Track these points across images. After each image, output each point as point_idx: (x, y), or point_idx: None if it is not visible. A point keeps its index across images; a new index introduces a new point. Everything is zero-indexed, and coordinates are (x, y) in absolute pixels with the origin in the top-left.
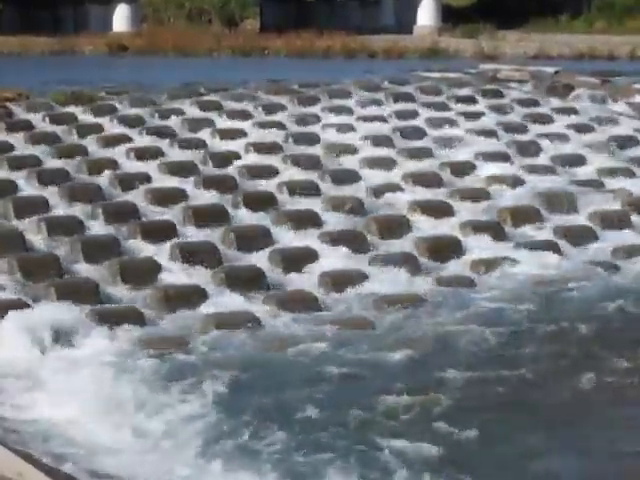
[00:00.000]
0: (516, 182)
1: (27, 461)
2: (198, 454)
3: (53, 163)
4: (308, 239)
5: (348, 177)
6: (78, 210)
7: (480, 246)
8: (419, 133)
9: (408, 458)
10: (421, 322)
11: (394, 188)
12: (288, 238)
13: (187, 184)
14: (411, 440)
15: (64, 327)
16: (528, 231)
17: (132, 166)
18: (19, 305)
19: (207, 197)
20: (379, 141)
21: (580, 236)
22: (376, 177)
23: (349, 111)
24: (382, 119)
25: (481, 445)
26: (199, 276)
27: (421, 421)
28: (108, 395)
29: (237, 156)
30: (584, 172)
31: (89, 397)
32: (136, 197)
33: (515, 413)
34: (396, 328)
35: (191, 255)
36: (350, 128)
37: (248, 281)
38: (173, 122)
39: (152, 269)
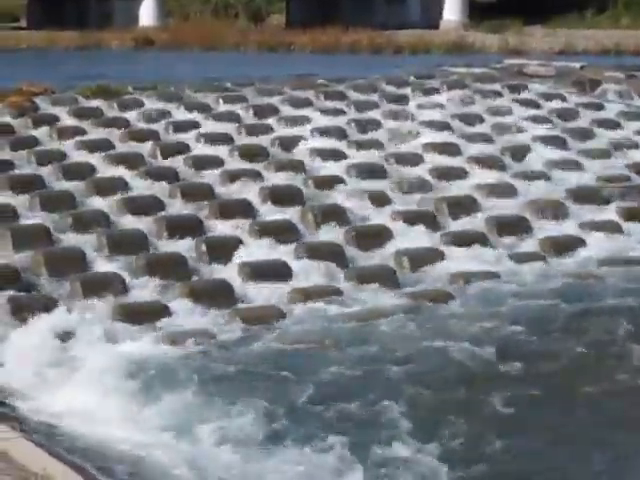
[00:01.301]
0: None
1: (52, 455)
2: None
3: (79, 157)
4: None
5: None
6: (104, 204)
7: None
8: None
9: None
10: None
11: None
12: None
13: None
14: None
15: None
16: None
17: (159, 161)
18: None
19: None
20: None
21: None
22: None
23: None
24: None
25: None
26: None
27: None
28: None
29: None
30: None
31: None
32: (162, 191)
33: None
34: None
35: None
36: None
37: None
38: (199, 117)
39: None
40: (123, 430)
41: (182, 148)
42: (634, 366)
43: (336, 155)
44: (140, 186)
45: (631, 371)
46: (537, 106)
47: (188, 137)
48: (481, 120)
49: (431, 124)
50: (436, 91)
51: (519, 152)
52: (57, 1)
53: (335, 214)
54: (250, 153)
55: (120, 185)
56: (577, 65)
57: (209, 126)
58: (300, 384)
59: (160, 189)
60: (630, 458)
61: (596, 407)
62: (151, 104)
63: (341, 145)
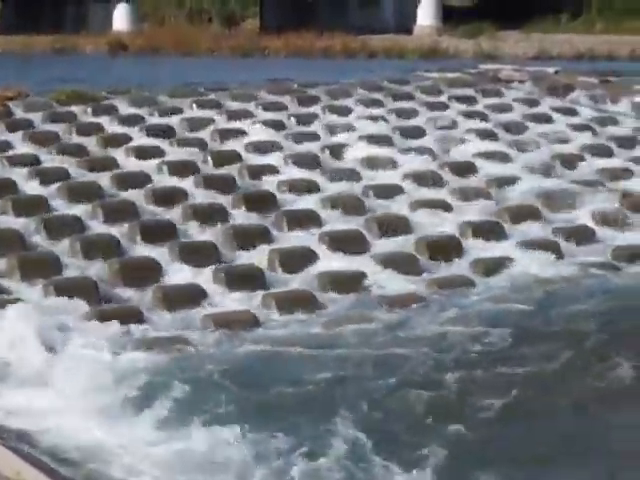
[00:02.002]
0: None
1: (25, 460)
2: None
3: (53, 162)
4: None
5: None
6: (78, 209)
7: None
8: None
9: None
10: None
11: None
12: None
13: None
14: None
15: None
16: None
17: (132, 165)
18: None
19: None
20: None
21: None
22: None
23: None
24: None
25: None
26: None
27: None
28: None
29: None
30: (585, 172)
31: None
32: (137, 196)
33: None
34: None
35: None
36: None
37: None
38: (173, 121)
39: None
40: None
41: (155, 152)
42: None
43: (311, 161)
44: (115, 191)
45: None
46: (511, 110)
47: (161, 142)
48: (455, 125)
49: (405, 129)
50: (410, 96)
51: (492, 156)
52: (32, 5)
53: (308, 219)
54: (223, 159)
55: (95, 190)
56: (551, 70)
57: (183, 131)
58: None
59: (134, 194)
60: None
61: None
62: (125, 109)
63: (315, 149)
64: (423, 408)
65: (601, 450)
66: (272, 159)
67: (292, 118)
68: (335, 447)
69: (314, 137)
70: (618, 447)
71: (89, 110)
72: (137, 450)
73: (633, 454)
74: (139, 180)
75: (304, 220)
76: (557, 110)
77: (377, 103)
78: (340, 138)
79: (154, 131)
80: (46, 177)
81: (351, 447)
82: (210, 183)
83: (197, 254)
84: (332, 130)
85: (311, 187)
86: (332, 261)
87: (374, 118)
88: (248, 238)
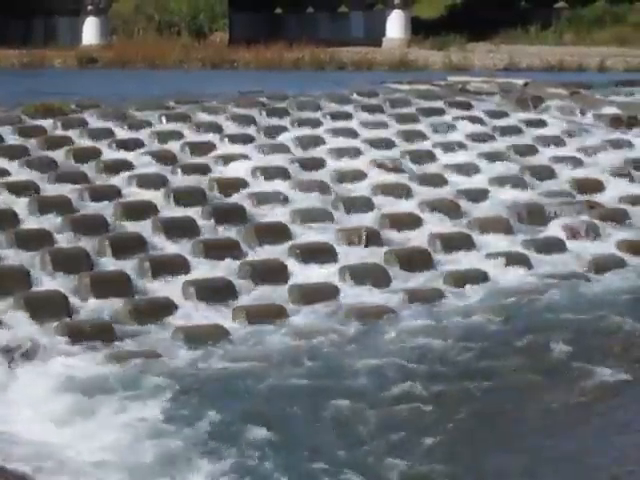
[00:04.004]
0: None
1: None
2: None
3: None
4: None
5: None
6: (47, 223)
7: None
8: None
9: None
10: None
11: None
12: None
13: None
14: None
15: None
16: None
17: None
18: None
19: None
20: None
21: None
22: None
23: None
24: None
25: None
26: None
27: None
28: None
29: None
30: (554, 184)
31: None
32: (106, 210)
33: None
34: None
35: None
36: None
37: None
38: (142, 134)
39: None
40: None
41: (125, 166)
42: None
43: (280, 174)
44: (84, 204)
45: None
46: (480, 123)
47: (131, 155)
48: (424, 137)
49: (375, 142)
50: (379, 108)
51: (464, 169)
52: (2, 19)
53: (278, 231)
54: (193, 171)
55: (65, 203)
56: (520, 82)
57: (152, 144)
58: None
59: (102, 208)
60: None
61: None
62: (94, 122)
63: (284, 162)
64: (392, 420)
65: (570, 464)
66: (242, 171)
67: (261, 131)
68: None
69: (284, 149)
70: (586, 459)
71: (59, 124)
72: None
73: (598, 466)
74: (109, 193)
75: (274, 233)
76: (526, 122)
77: (346, 115)
78: (310, 151)
79: (123, 144)
80: (15, 190)
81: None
82: (180, 196)
83: (168, 267)
84: (302, 143)
85: (280, 199)
86: (303, 272)
87: (344, 131)
88: (218, 250)
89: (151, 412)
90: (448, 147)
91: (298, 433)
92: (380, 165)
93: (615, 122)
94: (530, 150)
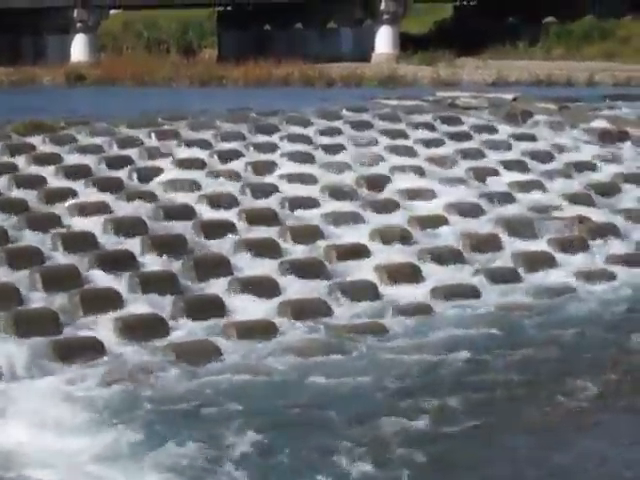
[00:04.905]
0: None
1: None
2: None
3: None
4: None
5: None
6: (37, 241)
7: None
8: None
9: None
10: None
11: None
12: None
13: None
14: None
15: None
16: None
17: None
18: None
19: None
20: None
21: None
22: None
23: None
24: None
25: None
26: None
27: None
28: None
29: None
30: (543, 198)
31: None
32: (95, 226)
33: None
34: None
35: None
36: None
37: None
38: (132, 152)
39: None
40: None
41: (114, 183)
42: None
43: (271, 190)
44: (74, 222)
45: None
46: (469, 138)
47: (121, 173)
48: (413, 153)
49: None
50: (369, 124)
51: (451, 183)
52: None
53: (269, 248)
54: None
55: (55, 220)
56: (509, 97)
57: (141, 162)
58: None
59: (92, 224)
60: None
61: None
62: (83, 140)
63: (273, 179)
64: (381, 434)
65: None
66: (231, 188)
67: (251, 147)
68: None
69: (273, 166)
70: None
71: (47, 140)
72: None
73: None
74: (97, 210)
75: (264, 249)
76: (515, 137)
77: (336, 131)
78: (299, 167)
79: (112, 162)
80: (5, 208)
81: None
82: (168, 213)
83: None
84: (291, 158)
85: (270, 216)
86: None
87: (332, 147)
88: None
89: None
90: (438, 162)
91: None
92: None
93: (604, 136)
94: (519, 165)
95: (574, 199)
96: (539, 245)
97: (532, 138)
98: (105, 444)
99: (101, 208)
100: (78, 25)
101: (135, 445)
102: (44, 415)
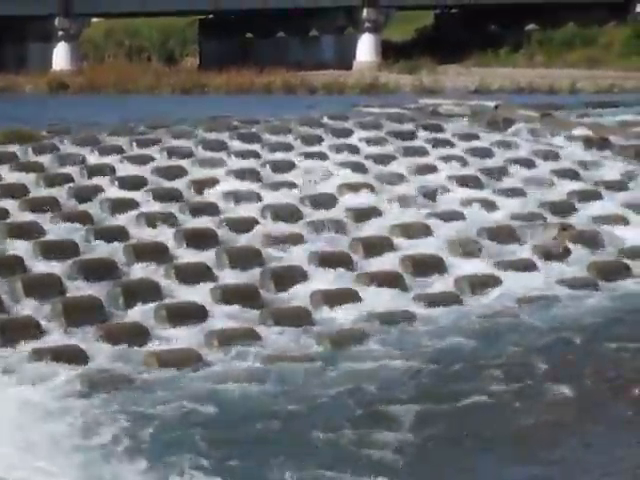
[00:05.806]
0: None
1: None
2: None
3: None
4: None
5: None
6: (21, 249)
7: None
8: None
9: None
10: None
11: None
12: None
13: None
14: None
15: None
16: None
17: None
18: None
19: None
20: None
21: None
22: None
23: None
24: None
25: None
26: None
27: None
28: None
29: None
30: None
31: None
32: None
33: None
34: None
35: None
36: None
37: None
38: (114, 160)
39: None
40: None
41: (97, 192)
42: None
43: (250, 197)
44: (56, 230)
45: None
46: (451, 145)
47: (103, 181)
48: (395, 160)
49: (346, 164)
50: (351, 132)
51: (433, 192)
52: None
53: (252, 255)
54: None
55: (36, 229)
56: (491, 104)
57: (123, 170)
58: None
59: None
60: None
61: None
62: (65, 148)
63: (255, 187)
64: (364, 442)
65: None
66: (214, 196)
67: (232, 155)
68: None
69: (255, 174)
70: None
71: (29, 150)
72: None
73: None
74: (80, 219)
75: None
76: (497, 144)
77: (318, 140)
78: (283, 175)
79: (95, 170)
80: None
81: None
82: (152, 220)
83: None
84: (274, 167)
85: (251, 224)
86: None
87: (315, 154)
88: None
89: None
90: (419, 170)
91: None
92: (350, 188)
93: (586, 143)
94: (501, 172)
95: (556, 206)
96: (524, 252)
97: (513, 145)
98: None
99: (81, 217)
100: (60, 33)
101: None
102: None
